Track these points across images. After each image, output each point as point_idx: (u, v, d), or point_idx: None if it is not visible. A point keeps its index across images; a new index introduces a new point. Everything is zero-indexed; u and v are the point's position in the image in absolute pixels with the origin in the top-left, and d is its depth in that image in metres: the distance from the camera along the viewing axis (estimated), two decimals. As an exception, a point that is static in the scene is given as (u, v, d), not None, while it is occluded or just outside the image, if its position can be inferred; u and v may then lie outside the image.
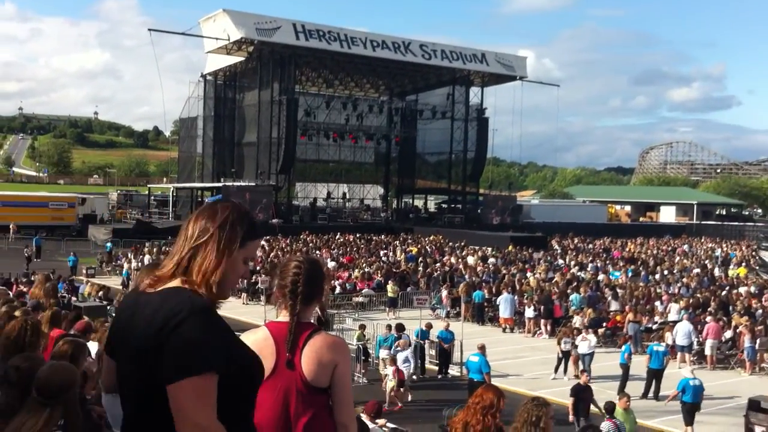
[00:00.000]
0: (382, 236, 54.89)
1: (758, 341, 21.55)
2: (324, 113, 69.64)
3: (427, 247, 47.60)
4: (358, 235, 53.75)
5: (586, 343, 20.11)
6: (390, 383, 16.92)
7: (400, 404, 17.03)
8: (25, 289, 17.64)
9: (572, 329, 21.61)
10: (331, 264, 36.13)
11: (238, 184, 58.34)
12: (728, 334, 23.20)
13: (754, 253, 53.38)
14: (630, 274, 37.86)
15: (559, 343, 20.69)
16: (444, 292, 30.07)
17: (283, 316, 3.44)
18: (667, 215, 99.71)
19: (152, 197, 77.41)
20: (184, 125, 73.26)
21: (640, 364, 19.08)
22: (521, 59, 76.93)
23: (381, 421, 11.37)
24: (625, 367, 18.84)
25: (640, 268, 40.01)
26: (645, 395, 18.20)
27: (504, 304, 27.41)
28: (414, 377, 19.83)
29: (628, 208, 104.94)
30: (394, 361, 17.45)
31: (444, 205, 78.20)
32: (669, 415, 16.03)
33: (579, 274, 36.50)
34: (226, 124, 68.55)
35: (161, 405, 2.31)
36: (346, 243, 48.80)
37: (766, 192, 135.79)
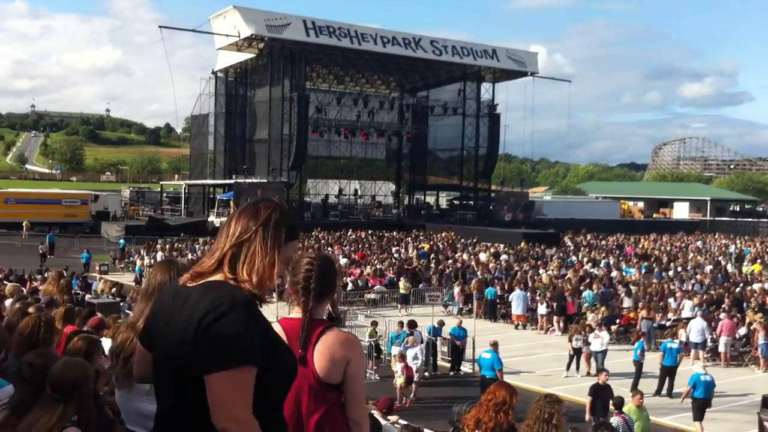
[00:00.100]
0: (394, 233, 54.83)
1: (772, 338, 21.41)
2: (335, 110, 69.61)
3: (439, 244, 47.53)
4: (369, 232, 53.76)
5: (598, 340, 20.04)
6: (398, 380, 16.93)
7: (408, 401, 17.07)
8: (39, 286, 17.72)
9: (584, 326, 21.55)
10: (343, 261, 36.15)
11: (249, 180, 58.41)
12: (742, 331, 23.08)
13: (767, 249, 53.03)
14: (643, 271, 37.68)
15: (570, 341, 20.63)
16: (456, 289, 30.02)
17: (296, 313, 3.43)
18: (681, 211, 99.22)
19: (164, 194, 77.61)
20: (196, 122, 73.42)
21: (653, 362, 18.99)
22: (532, 55, 76.71)
23: (393, 418, 11.34)
24: (638, 364, 18.76)
25: (654, 265, 39.81)
26: (658, 392, 18.11)
27: (516, 300, 27.37)
28: (426, 374, 19.86)
29: (641, 204, 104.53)
30: (403, 357, 17.45)
31: (456, 202, 78.13)
32: (682, 413, 15.94)
33: (592, 270, 36.36)
34: (238, 120, 68.63)
35: (198, 396, 2.33)
36: (358, 240, 48.81)
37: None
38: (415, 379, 17.68)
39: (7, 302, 10.14)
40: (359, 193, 76.90)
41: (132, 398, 3.49)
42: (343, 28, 63.42)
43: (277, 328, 3.44)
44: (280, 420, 2.64)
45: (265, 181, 58.72)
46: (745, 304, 27.12)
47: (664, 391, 18.19)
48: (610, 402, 14.02)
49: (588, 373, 20.19)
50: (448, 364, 20.78)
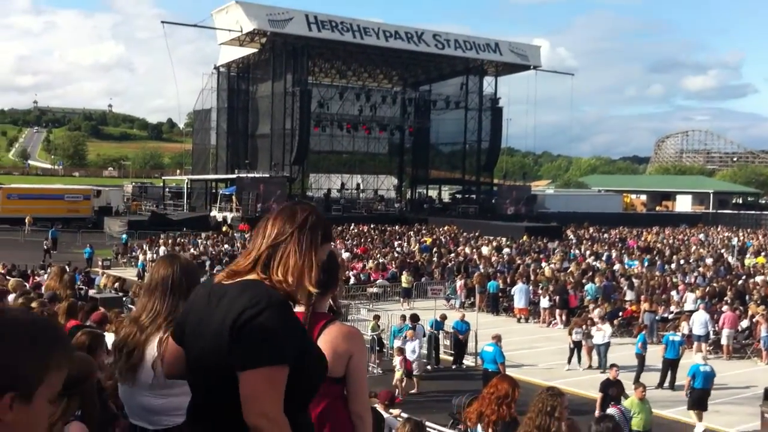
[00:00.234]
0: (396, 227, 54.83)
1: (775, 331, 21.42)
2: (337, 104, 69.56)
3: (441, 238, 47.52)
4: (372, 226, 53.73)
5: (601, 333, 20.06)
6: (397, 373, 16.98)
7: (403, 393, 17.13)
8: (42, 281, 17.76)
9: (586, 319, 21.58)
10: (345, 255, 36.16)
11: (252, 175, 58.40)
12: (745, 323, 23.08)
13: (771, 242, 52.97)
14: (646, 264, 37.66)
15: (570, 334, 20.69)
16: (458, 283, 30.04)
17: (298, 306, 3.44)
18: (683, 204, 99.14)
19: (167, 189, 77.68)
20: (198, 117, 73.40)
21: (655, 354, 19.00)
22: (535, 48, 76.53)
23: (395, 411, 11.38)
24: (641, 357, 18.76)
25: (656, 258, 39.79)
26: (661, 385, 18.12)
27: (519, 294, 27.39)
28: (428, 368, 19.92)
29: (643, 197, 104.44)
30: (401, 351, 17.50)
31: (458, 196, 78.04)
32: (684, 405, 15.93)
33: (594, 264, 36.35)
34: (240, 115, 68.62)
35: (231, 393, 2.37)
36: (360, 234, 48.82)
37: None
38: (415, 372, 17.72)
39: (10, 297, 10.17)
40: (361, 187, 76.84)
41: (135, 393, 3.51)
42: (346, 22, 63.29)
43: None
44: (308, 419, 2.69)
45: (268, 175, 58.73)
46: (747, 297, 27.12)
47: (666, 384, 18.20)
48: (620, 398, 14.03)
49: (590, 366, 20.24)
50: (451, 358, 20.81)
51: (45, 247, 39.72)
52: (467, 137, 72.83)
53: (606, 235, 55.19)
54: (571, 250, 42.73)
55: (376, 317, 20.86)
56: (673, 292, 28.10)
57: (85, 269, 31.31)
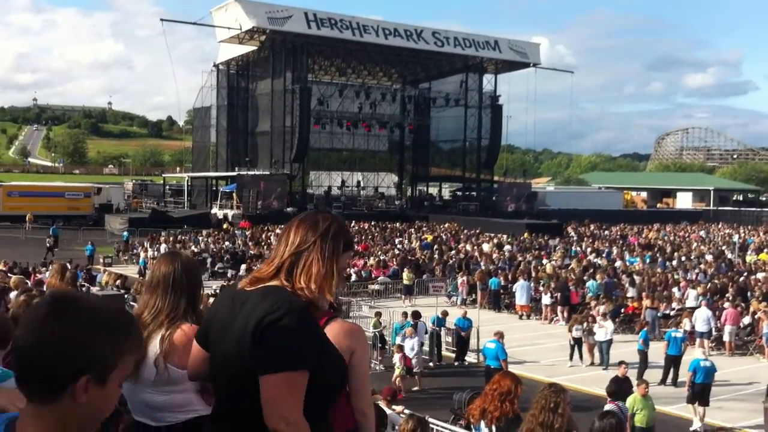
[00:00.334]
0: (397, 224, 54.82)
1: (777, 327, 21.39)
2: (337, 102, 69.54)
3: (442, 235, 47.52)
4: (373, 223, 53.72)
5: (603, 330, 20.03)
6: (397, 370, 16.98)
7: (414, 388, 17.16)
8: (43, 278, 17.74)
9: (587, 316, 21.58)
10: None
11: (252, 173, 58.41)
12: (746, 320, 23.05)
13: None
14: (647, 261, 37.64)
15: (570, 331, 20.69)
16: (460, 279, 30.03)
17: None
18: (684, 201, 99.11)
19: (167, 187, 77.63)
20: (198, 115, 73.39)
21: (658, 351, 18.97)
22: (534, 46, 76.53)
23: (398, 408, 11.36)
24: (643, 353, 18.74)
25: (657, 255, 39.77)
26: (663, 382, 18.10)
27: (520, 291, 27.39)
28: (431, 364, 19.93)
29: (644, 194, 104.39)
30: (401, 348, 17.50)
31: (459, 193, 78.03)
32: (699, 406, 15.91)
33: (595, 261, 36.33)
34: (240, 113, 68.62)
35: (253, 396, 2.42)
36: (361, 231, 48.79)
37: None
38: (415, 369, 17.71)
39: (12, 294, 10.14)
40: (362, 184, 76.81)
41: (138, 389, 3.49)
42: (345, 20, 63.28)
43: None
44: (328, 422, 2.72)
45: (268, 173, 58.75)
46: (749, 293, 27.09)
47: (668, 381, 18.18)
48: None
49: (592, 363, 20.21)
50: (453, 355, 20.79)
51: (48, 244, 39.77)
52: (467, 134, 72.83)
53: (607, 232, 55.15)
54: (572, 247, 42.71)
55: (378, 314, 20.84)
56: (675, 289, 28.07)
57: (87, 267, 31.31)
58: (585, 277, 29.44)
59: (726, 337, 22.00)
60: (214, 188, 66.51)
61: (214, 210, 59.45)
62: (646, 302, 24.39)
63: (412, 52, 68.37)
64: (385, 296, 30.00)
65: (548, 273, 30.70)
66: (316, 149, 71.69)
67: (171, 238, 41.24)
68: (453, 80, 74.14)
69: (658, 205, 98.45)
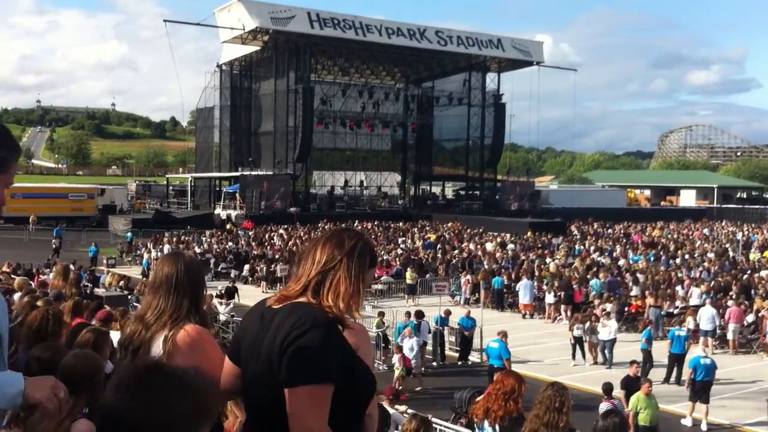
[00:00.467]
0: (400, 223, 54.81)
1: (781, 325, 21.37)
2: (340, 101, 69.55)
3: (445, 234, 47.49)
4: (376, 223, 53.75)
5: (606, 329, 19.99)
6: (397, 371, 16.98)
7: (417, 389, 17.18)
8: (47, 280, 17.76)
9: (590, 315, 21.57)
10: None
11: (255, 173, 58.47)
12: (750, 318, 23.01)
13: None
14: (651, 259, 37.58)
15: (571, 330, 20.68)
16: (463, 279, 30.02)
17: None
18: (688, 199, 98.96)
19: (170, 187, 77.73)
20: (201, 115, 73.48)
21: (661, 349, 18.95)
22: (538, 44, 76.46)
23: (402, 407, 11.37)
24: (647, 352, 18.72)
25: (661, 253, 39.71)
26: (667, 380, 18.07)
27: (524, 290, 27.34)
28: (434, 364, 19.95)
29: (647, 192, 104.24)
30: (400, 349, 17.51)
31: (462, 192, 77.97)
32: (700, 403, 15.89)
33: (599, 259, 36.29)
34: (243, 113, 68.67)
35: (282, 410, 2.52)
36: (364, 230, 48.76)
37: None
38: (414, 370, 17.71)
39: (16, 296, 10.16)
40: (365, 184, 76.83)
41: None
42: (348, 19, 63.28)
43: None
44: None
45: (271, 173, 58.79)
46: (753, 291, 27.04)
47: (672, 379, 18.14)
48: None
49: (595, 362, 20.18)
50: (457, 354, 20.79)
51: (54, 245, 39.89)
52: (470, 133, 72.81)
53: (610, 231, 55.08)
54: (576, 246, 42.68)
55: (381, 314, 20.82)
56: (678, 287, 28.03)
57: (90, 268, 31.32)
58: (588, 276, 29.38)
59: (730, 336, 21.97)
60: (218, 189, 66.60)
61: (218, 210, 59.51)
62: (649, 301, 24.37)
63: (415, 51, 68.33)
64: (388, 296, 29.98)
65: (552, 272, 30.67)
66: (319, 149, 71.67)
67: (174, 239, 41.27)
68: (456, 79, 74.13)
69: (662, 203, 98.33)
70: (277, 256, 35.86)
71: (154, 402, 1.73)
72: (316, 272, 2.72)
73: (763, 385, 17.54)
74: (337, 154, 78.00)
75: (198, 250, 37.54)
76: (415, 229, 51.17)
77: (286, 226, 49.61)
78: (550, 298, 26.82)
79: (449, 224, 54.23)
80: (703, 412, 15.31)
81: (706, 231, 57.49)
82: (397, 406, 11.28)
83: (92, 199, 60.33)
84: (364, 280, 2.76)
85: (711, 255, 38.81)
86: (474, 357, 20.62)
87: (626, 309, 24.89)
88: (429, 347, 20.27)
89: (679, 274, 31.38)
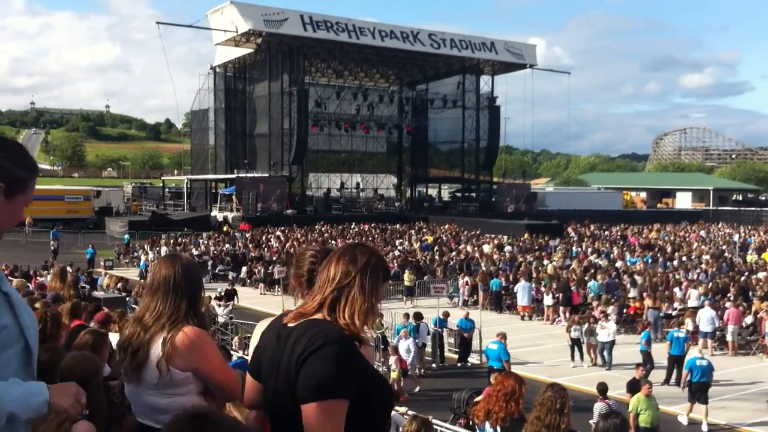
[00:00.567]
0: (397, 225, 54.84)
1: (779, 326, 21.35)
2: (335, 104, 69.63)
3: (442, 236, 47.51)
4: (372, 225, 53.74)
5: (605, 331, 19.97)
6: (393, 373, 16.94)
7: (416, 389, 17.12)
8: (45, 282, 17.68)
9: (589, 317, 21.56)
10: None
11: (251, 175, 58.43)
12: (749, 319, 23.02)
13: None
14: (648, 261, 37.62)
15: (568, 331, 20.67)
16: (461, 281, 30.01)
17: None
18: (684, 201, 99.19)
19: (166, 189, 77.72)
20: (196, 117, 73.44)
21: (660, 351, 18.93)
22: (531, 47, 76.56)
23: (402, 409, 11.32)
24: (646, 353, 18.69)
25: (658, 255, 39.76)
26: (667, 382, 18.05)
27: (522, 291, 27.35)
28: (434, 365, 19.93)
29: (643, 194, 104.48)
30: (396, 350, 17.47)
31: (458, 194, 78.10)
32: (699, 404, 15.86)
33: (596, 261, 36.31)
34: (238, 115, 68.65)
35: (301, 424, 2.58)
36: (361, 233, 48.79)
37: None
38: (410, 372, 17.67)
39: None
40: (361, 186, 76.94)
41: (141, 392, 3.45)
42: (341, 22, 63.28)
43: None
44: None
45: (267, 175, 58.76)
46: (750, 293, 27.05)
47: (672, 381, 18.11)
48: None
49: (594, 364, 20.15)
50: (456, 356, 20.75)
51: (52, 247, 39.90)
52: (465, 136, 72.96)
53: (607, 233, 55.14)
54: (573, 248, 42.70)
55: (380, 315, 20.77)
56: (676, 289, 28.05)
57: (88, 270, 31.29)
58: (586, 278, 29.40)
59: (729, 337, 21.97)
60: (214, 191, 66.59)
61: (214, 212, 59.49)
62: (648, 302, 24.35)
63: (409, 53, 68.40)
64: (386, 298, 29.87)
65: (549, 274, 30.67)
66: (315, 151, 71.76)
67: (171, 241, 41.28)
68: (450, 82, 74.26)
69: (658, 206, 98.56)
70: (274, 258, 35.81)
71: None
72: (331, 289, 2.75)
73: (763, 386, 17.52)
74: (333, 157, 78.10)
75: (195, 252, 37.53)
76: (412, 231, 51.19)
77: (283, 228, 49.59)
78: (548, 300, 26.82)
79: (446, 226, 54.27)
80: (703, 413, 15.28)
81: (702, 233, 57.59)
82: (397, 408, 11.22)
83: (88, 201, 60.25)
84: (378, 295, 2.79)
85: (705, 257, 38.87)
86: (473, 359, 20.59)
87: (625, 311, 24.88)
88: (428, 349, 20.23)
89: (677, 276, 31.42)
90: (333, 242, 41.13)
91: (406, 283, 29.90)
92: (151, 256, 36.20)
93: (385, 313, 21.56)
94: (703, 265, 35.36)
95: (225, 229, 51.09)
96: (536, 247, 42.28)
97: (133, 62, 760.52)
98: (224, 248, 40.16)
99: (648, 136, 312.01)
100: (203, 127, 71.54)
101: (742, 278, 30.34)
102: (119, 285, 23.29)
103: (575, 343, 20.38)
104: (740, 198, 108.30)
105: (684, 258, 38.56)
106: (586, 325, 20.48)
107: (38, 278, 23.00)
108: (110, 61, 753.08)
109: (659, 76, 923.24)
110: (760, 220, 74.72)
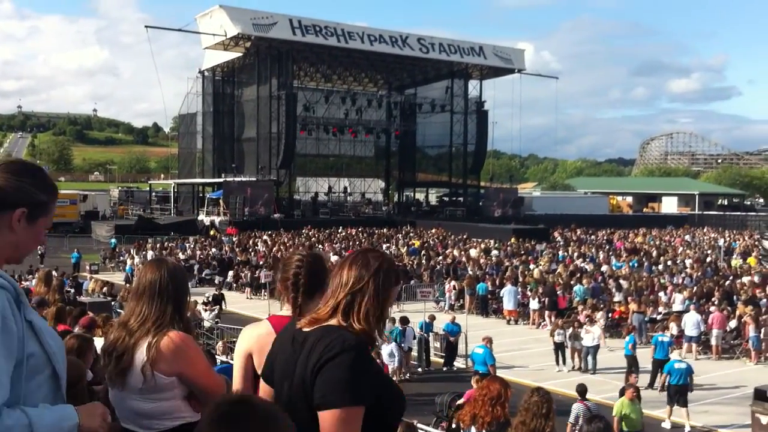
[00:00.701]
0: (384, 230, 54.85)
1: (763, 330, 21.50)
2: (323, 108, 69.61)
3: (429, 241, 47.54)
4: (360, 229, 53.76)
5: (590, 335, 20.04)
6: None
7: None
8: (30, 286, 17.60)
9: (574, 321, 21.63)
10: (334, 258, 36.05)
11: (239, 179, 58.32)
12: (733, 323, 23.16)
13: (756, 243, 53.24)
14: (635, 265, 37.78)
15: (552, 335, 20.73)
16: (447, 285, 30.04)
17: (287, 310, 3.48)
18: (669, 206, 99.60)
19: (153, 193, 77.42)
20: (184, 121, 73.26)
21: (645, 355, 19.01)
22: (519, 52, 76.81)
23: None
24: (631, 357, 18.77)
25: (644, 259, 39.94)
26: (651, 386, 18.13)
27: (508, 296, 27.39)
28: (419, 369, 19.95)
29: (629, 199, 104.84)
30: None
31: (445, 198, 78.16)
32: (674, 405, 15.96)
33: (582, 265, 36.43)
34: (226, 119, 68.52)
35: (317, 430, 2.59)
36: (349, 237, 48.74)
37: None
38: (393, 377, 17.64)
39: None
40: (349, 190, 76.92)
41: (125, 397, 3.45)
42: (330, 26, 63.32)
43: (267, 326, 3.49)
44: None
45: (255, 179, 58.65)
46: (735, 297, 27.22)
47: (656, 385, 18.20)
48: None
49: (579, 368, 20.15)
50: (441, 360, 20.77)
51: (39, 252, 39.65)
52: (453, 140, 73.11)
53: (593, 237, 55.33)
54: (559, 252, 42.83)
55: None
56: (661, 293, 28.18)
57: (73, 274, 31.14)
58: (572, 282, 29.47)
59: (713, 341, 22.07)
60: (201, 195, 66.37)
61: (201, 216, 59.28)
62: (633, 306, 24.46)
63: (398, 58, 68.52)
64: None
65: (535, 278, 30.73)
66: (303, 155, 71.69)
67: (158, 245, 41.09)
68: (439, 86, 74.40)
69: (644, 210, 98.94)
70: (261, 263, 35.74)
71: None
72: (344, 294, 2.77)
73: (746, 390, 17.58)
74: (321, 161, 78.07)
75: (182, 257, 37.38)
76: (399, 235, 51.20)
77: (270, 232, 49.49)
78: (534, 304, 26.86)
79: (433, 230, 54.32)
80: (683, 415, 15.38)
81: (687, 237, 57.89)
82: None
83: (74, 206, 59.94)
84: (390, 299, 2.82)
85: (689, 261, 39.10)
86: (459, 363, 20.61)
87: (610, 315, 24.98)
88: (414, 353, 20.24)
89: (662, 281, 31.57)
90: (320, 246, 41.14)
91: (393, 288, 29.86)
92: (137, 260, 36.04)
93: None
94: (688, 270, 35.56)
95: (212, 233, 50.95)
96: (523, 252, 42.39)
97: (122, 66, 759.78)
98: (211, 252, 40.04)
99: (635, 141, 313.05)
100: (191, 131, 71.38)
101: (727, 282, 30.51)
102: (104, 289, 23.23)
103: (558, 347, 20.46)
104: (725, 203, 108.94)
105: (669, 262, 38.77)
106: (570, 330, 20.54)
107: (23, 282, 22.90)
108: (98, 64, 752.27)
109: (647, 81, 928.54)
110: (745, 225, 75.10)
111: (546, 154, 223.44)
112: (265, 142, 61.43)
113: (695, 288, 28.60)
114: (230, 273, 34.98)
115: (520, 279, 30.50)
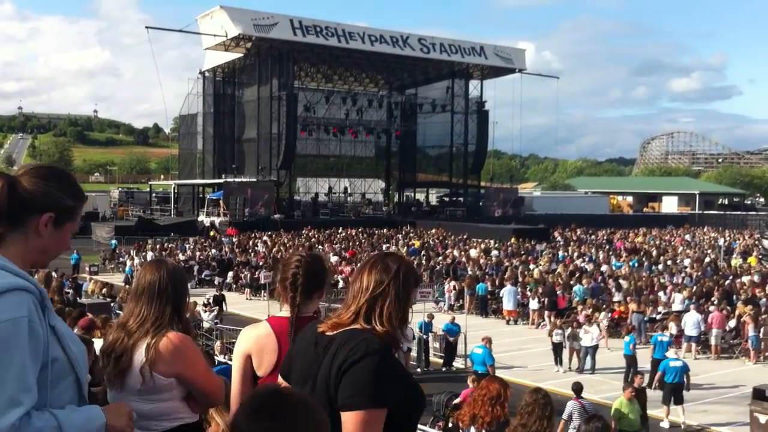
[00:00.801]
0: (385, 230, 54.86)
1: (762, 330, 21.53)
2: (323, 108, 69.59)
3: (429, 241, 47.54)
4: (360, 229, 53.76)
5: (589, 335, 20.05)
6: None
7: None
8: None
9: (573, 320, 21.66)
10: (333, 258, 36.12)
11: (239, 180, 58.32)
12: (732, 323, 23.19)
13: (757, 242, 53.21)
14: (635, 265, 37.78)
15: (550, 335, 20.75)
16: (447, 285, 30.05)
17: (285, 311, 3.50)
18: (670, 205, 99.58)
19: (154, 194, 77.38)
20: (184, 122, 73.25)
21: (644, 355, 19.03)
22: (520, 52, 76.79)
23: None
24: (630, 357, 18.79)
25: (644, 259, 39.94)
26: (650, 385, 18.12)
27: (507, 296, 27.40)
28: (418, 370, 19.93)
29: (630, 198, 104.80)
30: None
31: (446, 199, 78.14)
32: (673, 405, 15.99)
33: (582, 265, 36.44)
34: (226, 120, 68.51)
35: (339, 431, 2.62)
36: (349, 237, 48.77)
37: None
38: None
39: None
40: (349, 191, 76.93)
41: (124, 398, 3.46)
42: (330, 27, 63.33)
43: (266, 327, 3.52)
44: None
45: (255, 180, 58.65)
46: (734, 297, 27.24)
47: (655, 384, 18.20)
48: (644, 407, 13.96)
49: (577, 369, 20.12)
50: (441, 360, 20.78)
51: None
52: (454, 140, 73.08)
53: (593, 237, 55.32)
54: (559, 252, 42.84)
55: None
56: (661, 293, 28.20)
57: (72, 275, 31.12)
58: (572, 282, 29.48)
59: (712, 341, 22.11)
60: (201, 195, 66.34)
61: (201, 217, 59.26)
62: (632, 306, 24.47)
63: (398, 58, 68.52)
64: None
65: (535, 278, 30.75)
66: (303, 156, 71.70)
67: (158, 246, 41.09)
68: (439, 86, 74.37)
69: (644, 210, 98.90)
70: (260, 263, 35.76)
71: (279, 427, 1.91)
72: (365, 298, 2.80)
73: (745, 390, 17.60)
74: (321, 161, 78.08)
75: (181, 257, 37.38)
76: (399, 235, 51.20)
77: (270, 233, 49.50)
78: (533, 304, 26.87)
79: (433, 231, 54.33)
80: (679, 413, 15.40)
81: (687, 237, 57.87)
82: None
83: (74, 207, 59.86)
84: (411, 301, 2.85)
85: (687, 261, 39.11)
86: (458, 363, 20.63)
87: (609, 315, 24.99)
88: (413, 353, 20.26)
89: (662, 280, 31.58)
90: (320, 247, 41.17)
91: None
92: (136, 261, 36.06)
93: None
94: (688, 269, 35.58)
95: (212, 233, 50.95)
96: (523, 252, 42.40)
97: (122, 67, 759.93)
98: (210, 253, 40.04)
99: (635, 141, 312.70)
100: (191, 132, 71.38)
101: (726, 282, 30.53)
102: (104, 290, 23.23)
103: (556, 347, 20.47)
104: (726, 202, 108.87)
105: (669, 262, 38.77)
106: (569, 330, 20.56)
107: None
108: (99, 65, 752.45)
109: (647, 80, 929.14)
110: (745, 224, 75.02)
111: (546, 153, 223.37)
112: (266, 143, 61.45)
113: (695, 288, 28.63)
114: (230, 274, 34.99)
115: (520, 279, 30.52)
